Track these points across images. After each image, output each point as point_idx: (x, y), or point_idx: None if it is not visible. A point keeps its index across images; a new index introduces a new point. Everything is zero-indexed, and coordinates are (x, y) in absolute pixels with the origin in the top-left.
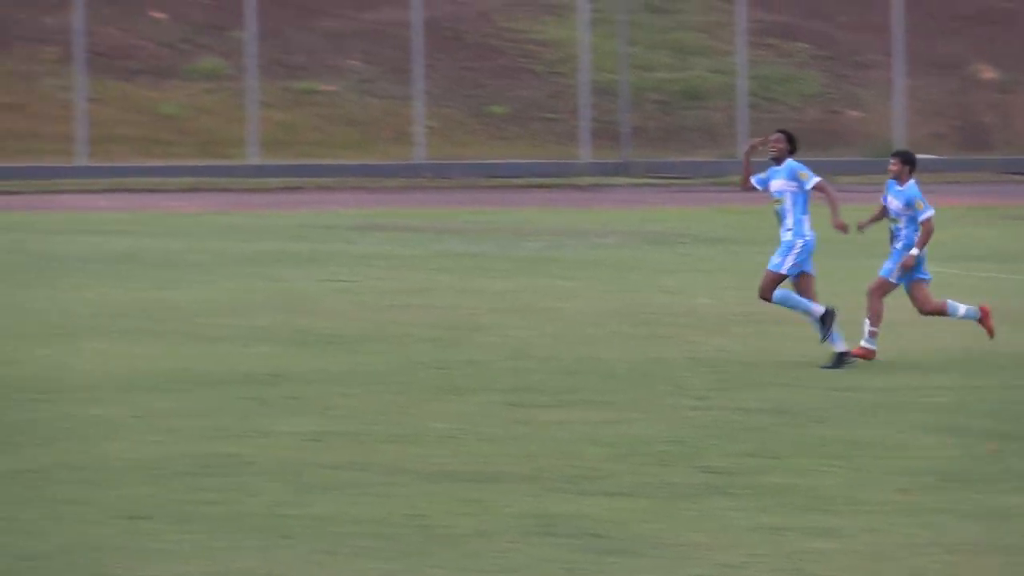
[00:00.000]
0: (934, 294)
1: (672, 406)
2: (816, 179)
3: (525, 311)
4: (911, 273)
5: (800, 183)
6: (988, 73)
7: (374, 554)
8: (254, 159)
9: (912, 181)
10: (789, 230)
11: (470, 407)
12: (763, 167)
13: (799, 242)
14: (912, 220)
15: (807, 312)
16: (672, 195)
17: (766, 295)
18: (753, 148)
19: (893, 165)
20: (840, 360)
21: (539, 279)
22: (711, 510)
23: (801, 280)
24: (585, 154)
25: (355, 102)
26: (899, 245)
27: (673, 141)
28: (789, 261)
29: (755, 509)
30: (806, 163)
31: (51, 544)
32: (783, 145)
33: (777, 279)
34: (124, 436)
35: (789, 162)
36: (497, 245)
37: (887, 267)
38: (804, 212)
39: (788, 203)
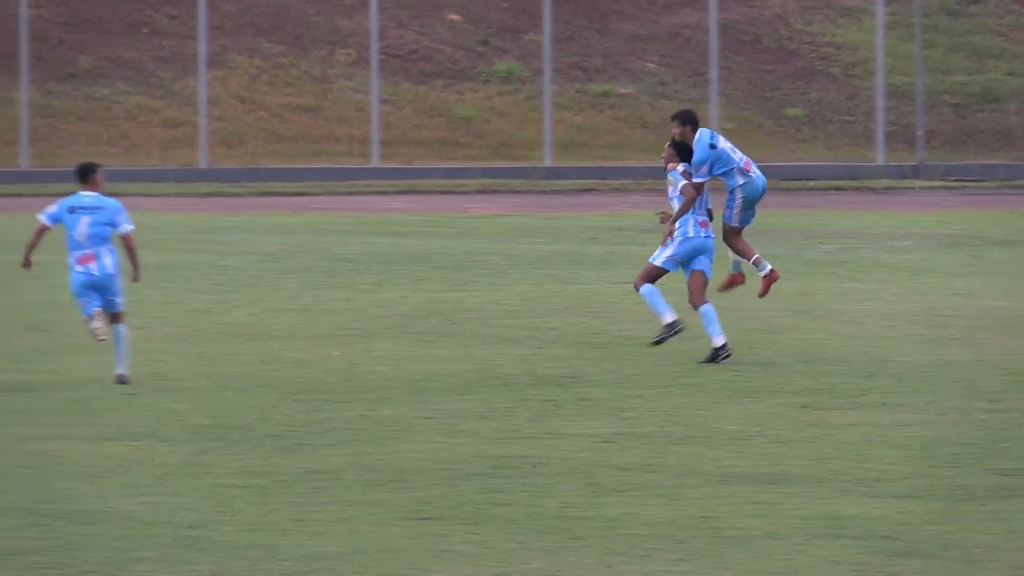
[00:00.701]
0: None
1: (964, 408)
2: (682, 182)
3: (818, 313)
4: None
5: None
6: None
7: (663, 556)
8: (548, 161)
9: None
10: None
11: (762, 409)
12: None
13: (677, 237)
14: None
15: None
16: (967, 198)
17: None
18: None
19: (676, 128)
20: (716, 355)
21: (833, 281)
22: (1002, 512)
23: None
24: (880, 157)
25: (651, 104)
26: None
27: (968, 144)
28: (666, 253)
29: None
30: None
31: (340, 545)
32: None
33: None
34: (415, 437)
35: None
36: (791, 247)
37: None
38: (690, 212)
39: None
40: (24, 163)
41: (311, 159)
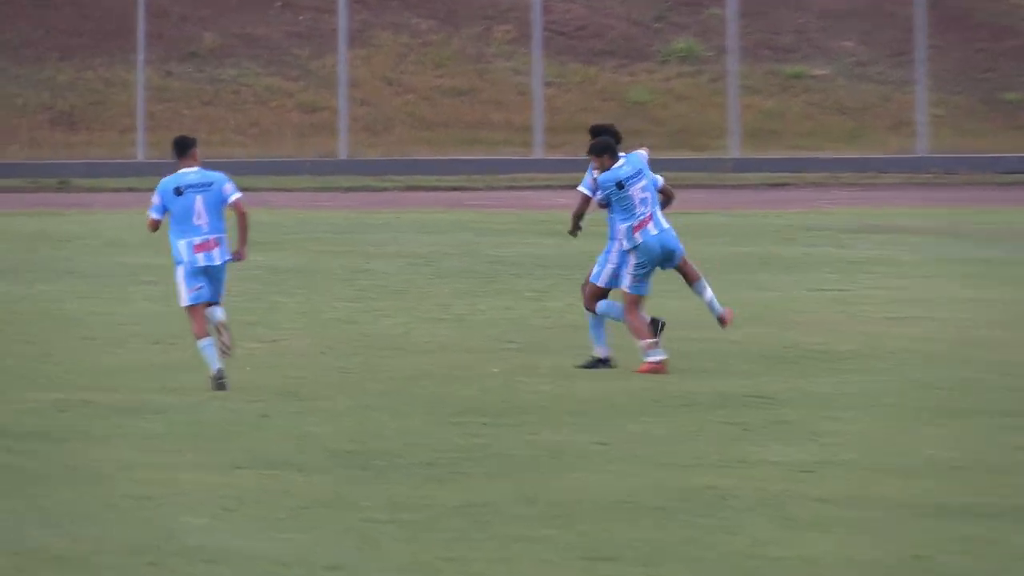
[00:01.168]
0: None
1: None
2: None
3: None
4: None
5: None
6: None
7: None
8: (734, 151)
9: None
10: None
11: (971, 432)
12: None
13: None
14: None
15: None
16: None
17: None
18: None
19: (595, 160)
20: (598, 363)
21: None
22: None
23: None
24: None
25: (849, 88)
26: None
27: None
28: (628, 277)
29: None
30: None
31: None
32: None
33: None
34: (587, 465)
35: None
36: (1009, 250)
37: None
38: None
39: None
40: (140, 153)
41: (465, 149)
